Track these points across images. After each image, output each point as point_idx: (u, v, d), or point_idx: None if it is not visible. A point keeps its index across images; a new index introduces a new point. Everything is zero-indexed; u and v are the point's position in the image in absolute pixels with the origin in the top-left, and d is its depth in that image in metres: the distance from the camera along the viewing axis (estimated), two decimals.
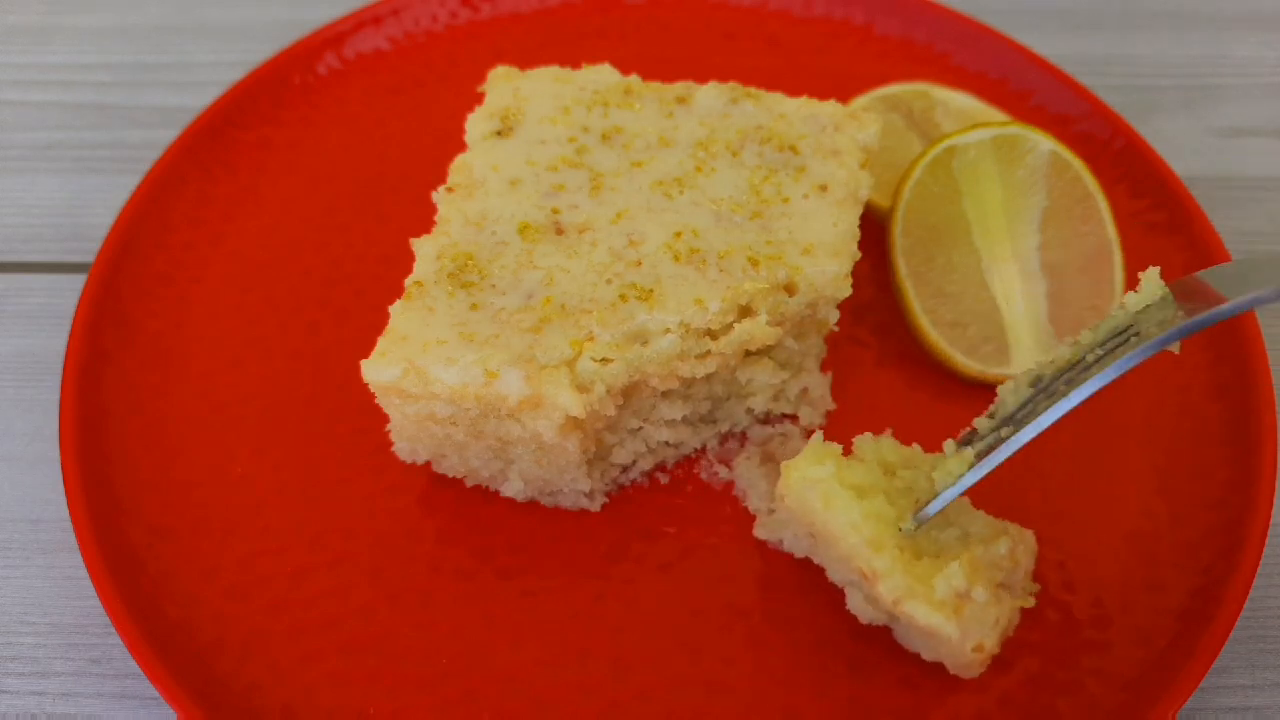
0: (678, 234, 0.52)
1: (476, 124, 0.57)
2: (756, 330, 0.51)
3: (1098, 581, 0.52)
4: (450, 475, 0.55)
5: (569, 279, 0.51)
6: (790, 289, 0.52)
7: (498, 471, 0.54)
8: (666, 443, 0.55)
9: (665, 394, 0.53)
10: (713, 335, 0.51)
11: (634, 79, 0.59)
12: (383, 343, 0.49)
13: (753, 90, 0.58)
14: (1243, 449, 0.54)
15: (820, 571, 0.51)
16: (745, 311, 0.51)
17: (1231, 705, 0.51)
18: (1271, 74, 0.76)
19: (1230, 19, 0.79)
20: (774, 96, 0.58)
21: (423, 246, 0.53)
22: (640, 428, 0.54)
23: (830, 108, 0.57)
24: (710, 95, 0.58)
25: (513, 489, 0.54)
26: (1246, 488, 0.53)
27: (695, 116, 0.57)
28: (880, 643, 0.50)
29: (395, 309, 0.50)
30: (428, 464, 0.55)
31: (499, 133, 0.56)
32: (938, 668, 0.49)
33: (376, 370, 0.49)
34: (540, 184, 0.54)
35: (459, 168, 0.55)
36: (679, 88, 0.58)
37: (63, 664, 0.51)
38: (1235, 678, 0.51)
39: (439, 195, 0.55)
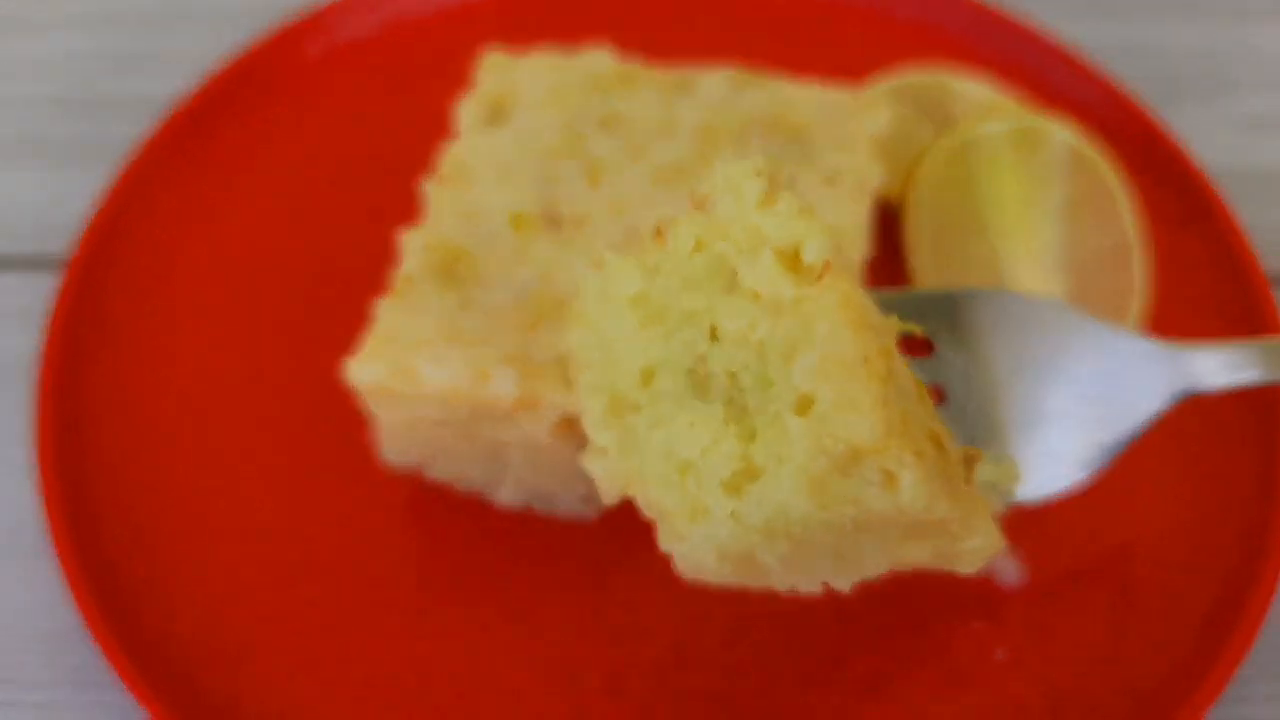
0: None
1: (468, 111, 0.56)
2: None
3: (1116, 590, 0.51)
4: (440, 481, 0.54)
5: (564, 273, 0.49)
6: None
7: (491, 477, 0.53)
8: None
9: None
10: None
11: (633, 64, 0.57)
12: (369, 341, 0.48)
13: (758, 76, 0.57)
14: (1265, 451, 0.53)
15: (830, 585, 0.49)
16: None
17: (1254, 716, 0.50)
18: None
19: (1256, 9, 0.78)
20: (780, 83, 0.57)
21: (411, 240, 0.51)
22: None
23: (840, 95, 0.56)
24: (714, 81, 0.56)
25: (506, 495, 0.53)
26: (1269, 492, 0.52)
27: (698, 103, 0.55)
28: (893, 656, 0.49)
29: (382, 305, 0.49)
30: (417, 469, 0.54)
31: (491, 120, 0.55)
32: (952, 678, 0.47)
33: (362, 370, 0.48)
34: (534, 174, 0.53)
35: (449, 157, 0.54)
36: (681, 74, 0.57)
37: (41, 674, 0.50)
38: (1257, 687, 0.51)
39: (428, 186, 0.53)
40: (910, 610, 0.50)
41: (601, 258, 0.41)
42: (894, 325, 0.38)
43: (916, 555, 0.39)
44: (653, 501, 0.38)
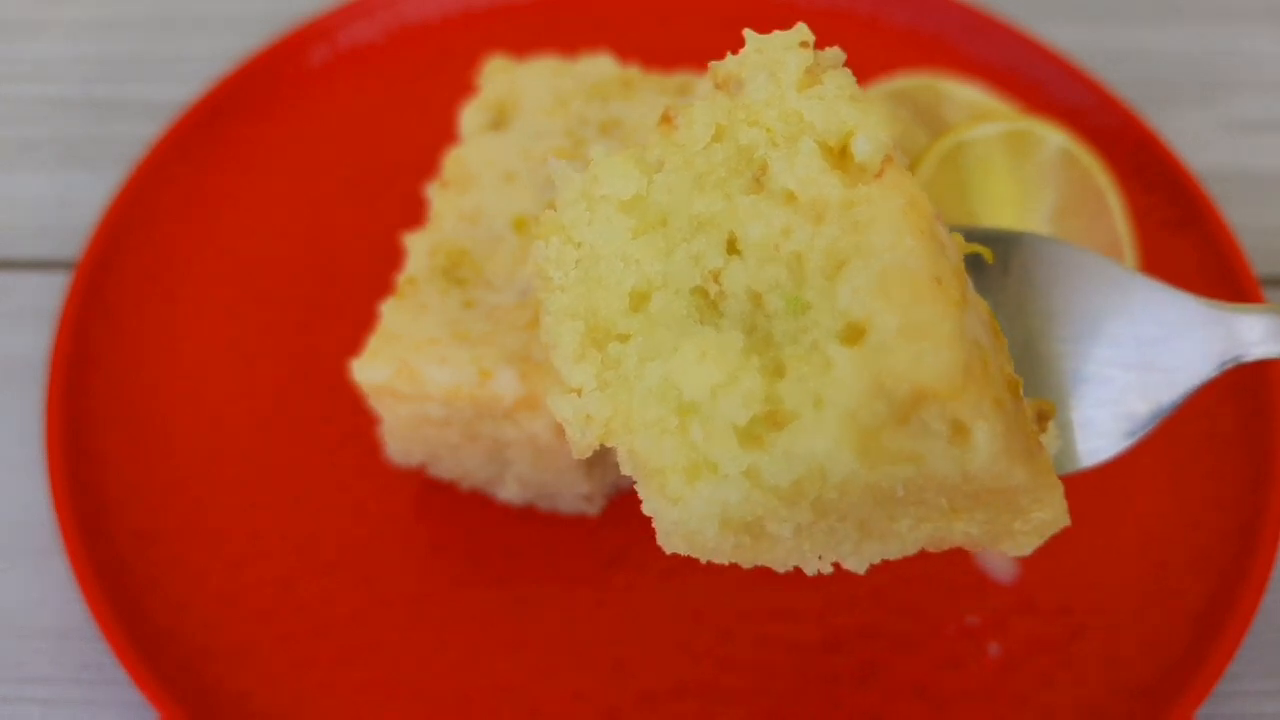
0: None
1: (471, 116, 0.56)
2: None
3: (1110, 587, 0.51)
4: (445, 479, 0.54)
5: None
6: None
7: (494, 475, 0.53)
8: None
9: None
10: None
11: (633, 70, 0.58)
12: (374, 342, 0.49)
13: None
14: (1256, 450, 0.53)
15: (828, 576, 0.50)
16: None
17: (1245, 711, 0.50)
18: None
19: (1245, 12, 0.78)
20: None
21: (415, 242, 0.52)
22: None
23: None
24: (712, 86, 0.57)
25: (509, 492, 0.53)
26: (1260, 490, 0.52)
27: None
28: (890, 649, 0.49)
29: (386, 307, 0.50)
30: (421, 467, 0.54)
31: (494, 125, 0.55)
32: (950, 677, 0.48)
33: (367, 370, 0.48)
34: (536, 178, 0.53)
35: (453, 161, 0.54)
36: (679, 79, 0.57)
37: (49, 670, 0.51)
38: (1249, 683, 0.51)
39: (432, 189, 0.54)
40: (903, 604, 0.50)
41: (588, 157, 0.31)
42: (960, 244, 0.29)
43: (964, 531, 0.29)
44: (640, 454, 0.28)
